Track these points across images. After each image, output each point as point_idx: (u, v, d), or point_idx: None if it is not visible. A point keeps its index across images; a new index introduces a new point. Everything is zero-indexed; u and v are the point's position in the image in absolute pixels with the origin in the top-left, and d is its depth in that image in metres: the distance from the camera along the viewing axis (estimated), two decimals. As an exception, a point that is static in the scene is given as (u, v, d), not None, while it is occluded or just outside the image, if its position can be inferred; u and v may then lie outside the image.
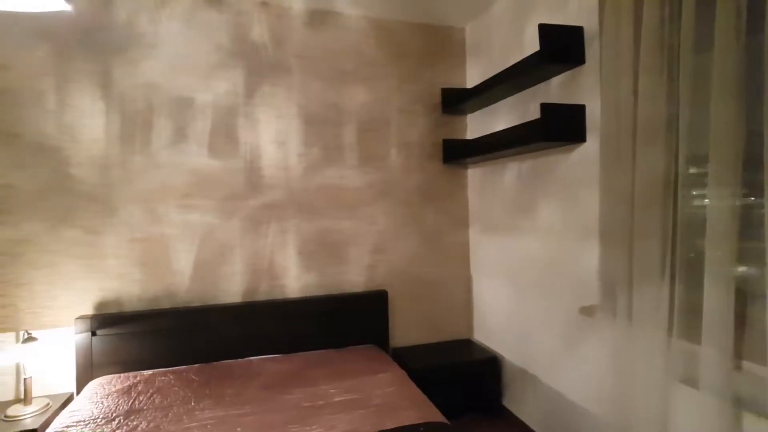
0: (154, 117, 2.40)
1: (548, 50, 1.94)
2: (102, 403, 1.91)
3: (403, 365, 2.43)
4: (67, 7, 2.04)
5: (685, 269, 1.46)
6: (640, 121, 1.58)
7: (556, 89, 2.15)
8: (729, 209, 1.31)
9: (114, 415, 1.81)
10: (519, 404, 2.56)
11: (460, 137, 2.98)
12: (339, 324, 2.64)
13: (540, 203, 2.30)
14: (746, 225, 1.34)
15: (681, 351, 1.48)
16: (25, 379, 2.06)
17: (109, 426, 1.73)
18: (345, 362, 2.35)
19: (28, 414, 2.00)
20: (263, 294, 2.59)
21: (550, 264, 2.24)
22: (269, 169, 2.59)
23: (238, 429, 1.69)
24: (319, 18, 2.67)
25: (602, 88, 1.79)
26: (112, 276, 2.34)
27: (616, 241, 1.69)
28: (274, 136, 2.60)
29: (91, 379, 2.20)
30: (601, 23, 1.79)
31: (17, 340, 2.18)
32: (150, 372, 2.23)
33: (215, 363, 2.36)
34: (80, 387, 2.18)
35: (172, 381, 2.13)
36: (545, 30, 1.94)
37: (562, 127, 1.95)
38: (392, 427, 1.66)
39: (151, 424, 1.74)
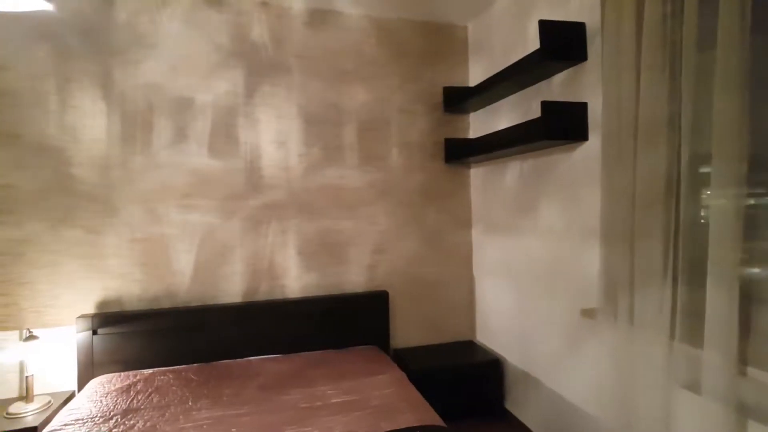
0: (154, 117, 2.41)
1: (549, 47, 1.91)
2: (101, 401, 1.92)
3: (404, 367, 2.41)
4: (48, 6, 2.04)
5: (688, 271, 1.42)
6: (641, 120, 1.54)
7: (558, 87, 2.12)
8: (733, 209, 1.27)
9: (112, 414, 1.82)
10: (522, 407, 2.52)
11: (462, 136, 2.95)
12: (339, 324, 2.63)
13: (542, 203, 2.26)
14: (751, 225, 1.30)
15: (683, 355, 1.44)
16: (26, 377, 2.09)
17: (107, 425, 1.73)
18: (344, 363, 2.34)
19: (29, 412, 2.02)
20: (263, 294, 2.59)
21: (552, 265, 2.20)
22: (269, 169, 2.59)
23: (233, 430, 1.68)
24: (319, 17, 2.66)
25: (604, 86, 1.75)
26: (113, 275, 2.35)
27: (617, 241, 1.66)
28: (274, 136, 2.60)
29: (92, 377, 2.21)
30: (602, 19, 1.75)
31: (20, 339, 2.20)
32: (150, 371, 2.24)
33: (215, 363, 2.37)
34: (81, 385, 2.20)
35: (171, 380, 2.14)
36: (546, 26, 1.90)
37: (563, 125, 1.91)
38: (389, 430, 1.64)
39: (148, 424, 1.74)
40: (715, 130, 1.29)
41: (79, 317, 2.24)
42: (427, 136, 2.88)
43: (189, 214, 2.46)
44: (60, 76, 2.26)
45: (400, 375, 2.20)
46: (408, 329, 2.85)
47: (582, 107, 1.92)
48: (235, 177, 2.53)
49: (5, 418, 1.98)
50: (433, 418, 1.77)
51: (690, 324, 1.41)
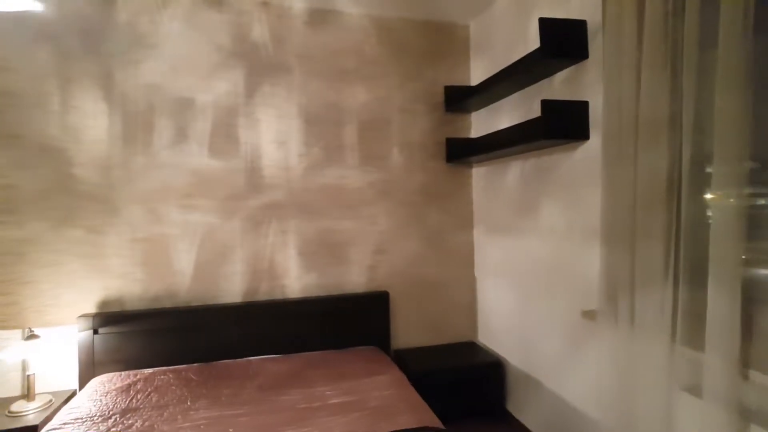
0: (155, 117, 2.41)
1: (549, 45, 1.89)
2: (101, 400, 1.93)
3: (405, 367, 2.40)
4: (37, 6, 2.04)
5: (689, 272, 1.40)
6: (643, 118, 1.52)
7: (559, 85, 2.10)
8: (735, 209, 1.25)
9: (111, 413, 1.82)
10: (522, 409, 2.51)
11: (463, 136, 2.94)
12: (340, 325, 2.62)
13: (543, 203, 2.24)
14: (753, 225, 1.27)
15: (684, 357, 1.42)
16: (28, 375, 2.10)
17: (105, 424, 1.74)
18: (344, 363, 2.33)
19: (30, 410, 2.03)
20: (264, 294, 2.59)
21: (553, 265, 2.18)
22: (270, 169, 2.59)
23: (231, 430, 1.68)
24: (319, 17, 2.66)
25: (605, 84, 1.72)
26: (114, 275, 2.36)
27: (618, 242, 1.63)
28: (274, 136, 2.60)
29: (93, 376, 2.22)
30: (604, 17, 1.73)
31: (22, 338, 2.21)
32: (150, 371, 2.25)
33: (215, 363, 2.37)
34: (82, 384, 2.21)
35: (171, 380, 2.14)
36: (546, 24, 1.88)
37: (563, 124, 1.89)
38: (387, 431, 1.63)
39: (146, 423, 1.74)
40: (716, 129, 1.27)
41: (80, 316, 2.25)
42: (428, 135, 2.87)
43: (189, 214, 2.46)
44: (61, 77, 2.27)
45: (399, 376, 2.19)
46: (409, 330, 2.84)
47: (583, 106, 1.90)
48: (235, 177, 2.53)
49: (7, 416, 2.00)
50: (431, 420, 1.75)
51: (691, 326, 1.39)
